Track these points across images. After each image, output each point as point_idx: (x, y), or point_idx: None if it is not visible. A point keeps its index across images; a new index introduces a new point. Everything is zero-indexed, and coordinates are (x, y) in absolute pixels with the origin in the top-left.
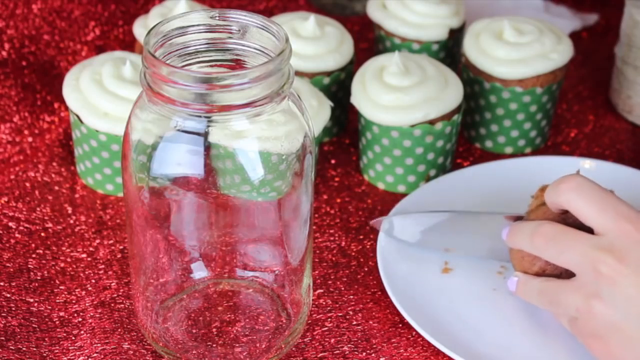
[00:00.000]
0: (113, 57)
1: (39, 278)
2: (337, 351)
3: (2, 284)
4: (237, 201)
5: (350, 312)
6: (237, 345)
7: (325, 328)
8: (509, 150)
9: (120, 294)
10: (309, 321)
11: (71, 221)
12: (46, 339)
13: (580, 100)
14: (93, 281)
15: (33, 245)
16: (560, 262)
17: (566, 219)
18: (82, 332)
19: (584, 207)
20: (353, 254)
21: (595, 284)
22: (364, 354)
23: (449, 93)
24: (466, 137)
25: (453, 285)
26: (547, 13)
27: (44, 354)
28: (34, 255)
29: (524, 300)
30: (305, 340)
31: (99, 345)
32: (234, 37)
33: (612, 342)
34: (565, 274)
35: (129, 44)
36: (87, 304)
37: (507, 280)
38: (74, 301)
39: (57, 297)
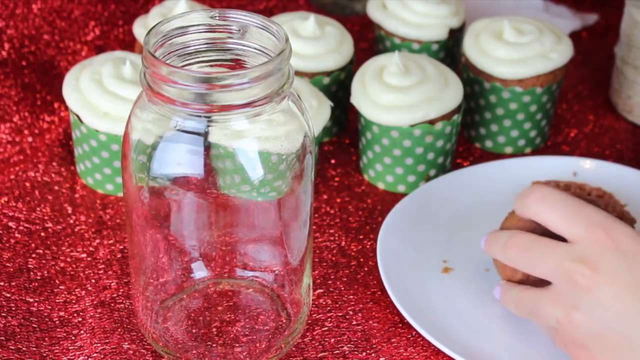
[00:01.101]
0: (113, 57)
1: (38, 278)
2: (337, 351)
3: (2, 284)
4: (237, 201)
5: (350, 312)
6: (237, 345)
7: (325, 328)
8: (508, 150)
9: (120, 293)
10: (309, 321)
11: (71, 221)
12: (46, 339)
13: (580, 100)
14: (93, 281)
15: (33, 245)
16: (536, 273)
17: (540, 225)
18: (82, 332)
19: (553, 218)
20: (353, 253)
21: (572, 295)
22: (364, 354)
23: (449, 93)
24: (466, 137)
25: (453, 285)
26: (547, 13)
27: (44, 354)
28: (34, 255)
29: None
30: (305, 340)
31: (99, 345)
32: (234, 37)
33: (596, 350)
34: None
35: (129, 43)
36: (87, 304)
37: (494, 289)
38: (74, 301)
39: (57, 297)
